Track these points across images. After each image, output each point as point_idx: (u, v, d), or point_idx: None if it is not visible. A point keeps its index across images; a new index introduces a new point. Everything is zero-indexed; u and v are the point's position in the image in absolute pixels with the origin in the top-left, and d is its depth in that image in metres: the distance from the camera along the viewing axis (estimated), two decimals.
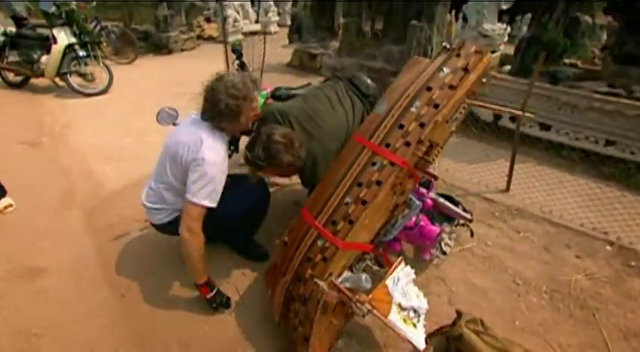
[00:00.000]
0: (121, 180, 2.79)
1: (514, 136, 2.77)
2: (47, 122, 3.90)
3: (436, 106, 1.48)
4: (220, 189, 1.57)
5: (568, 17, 3.42)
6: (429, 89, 1.51)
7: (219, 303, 1.71)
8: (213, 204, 1.56)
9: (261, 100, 2.28)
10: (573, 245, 2.38)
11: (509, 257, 2.25)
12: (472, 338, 1.45)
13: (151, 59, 6.51)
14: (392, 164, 1.46)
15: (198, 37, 7.76)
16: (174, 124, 2.38)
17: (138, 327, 1.68)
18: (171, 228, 1.71)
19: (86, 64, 4.61)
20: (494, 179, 2.98)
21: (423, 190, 1.93)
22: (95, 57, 4.62)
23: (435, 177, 1.66)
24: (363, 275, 1.58)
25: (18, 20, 5.49)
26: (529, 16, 9.75)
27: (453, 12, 6.64)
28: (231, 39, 8.11)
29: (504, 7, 8.93)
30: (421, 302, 1.59)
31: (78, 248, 2.14)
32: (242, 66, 3.15)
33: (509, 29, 8.33)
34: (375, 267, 1.91)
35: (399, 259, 1.68)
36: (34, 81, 4.89)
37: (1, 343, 1.58)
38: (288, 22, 10.31)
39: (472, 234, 2.38)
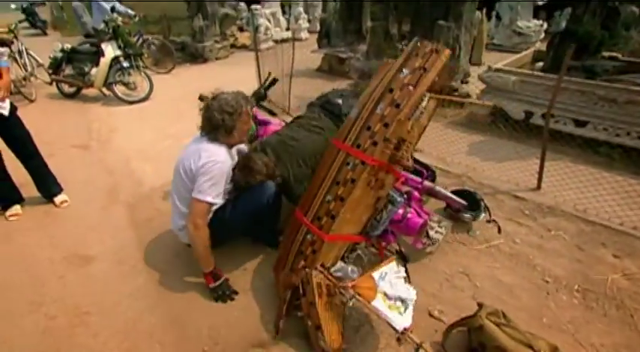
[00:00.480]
0: (159, 179, 3.00)
1: (555, 134, 2.68)
2: (95, 127, 4.26)
3: (397, 106, 1.55)
4: (221, 187, 1.76)
5: (606, 8, 3.27)
6: (390, 90, 1.59)
7: (220, 295, 1.83)
8: (217, 200, 1.76)
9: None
10: (610, 244, 2.27)
11: (538, 254, 2.19)
12: (493, 329, 1.45)
13: (187, 68, 6.88)
14: (363, 163, 1.55)
15: (232, 46, 8.10)
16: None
17: (172, 310, 1.82)
18: None
19: (129, 74, 4.98)
20: (524, 177, 2.90)
21: (416, 179, 2.09)
22: (137, 67, 4.99)
23: (409, 167, 1.69)
24: (349, 267, 1.68)
25: (88, 37, 6.07)
26: (569, 10, 9.30)
27: (484, 10, 6.50)
28: (263, 46, 8.43)
29: (540, 2, 8.59)
30: (409, 293, 1.59)
31: (121, 239, 2.35)
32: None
33: (545, 25, 8.01)
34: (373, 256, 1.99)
35: (390, 258, 1.71)
36: (84, 91, 5.35)
37: (58, 318, 1.79)
38: (318, 28, 10.53)
39: (499, 230, 2.35)
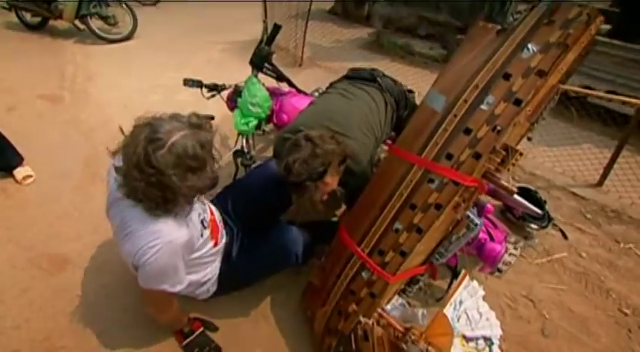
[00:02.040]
0: None
1: (616, 116, 2.21)
2: (68, 73, 3.54)
3: (517, 102, 1.00)
4: (180, 273, 1.12)
5: None
6: (506, 77, 1.02)
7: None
8: (173, 290, 1.12)
9: (258, 92, 1.84)
10: None
11: (610, 275, 1.86)
12: None
13: (178, 2, 5.88)
14: (456, 183, 1.05)
15: None
16: (201, 87, 1.98)
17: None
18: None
19: (107, 5, 4.13)
20: (582, 169, 2.49)
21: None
22: None
23: (512, 192, 1.24)
24: (420, 311, 1.31)
25: None
26: None
27: None
28: None
29: None
30: (492, 328, 1.29)
31: (102, 234, 1.83)
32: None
33: None
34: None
35: (463, 274, 1.34)
36: (53, 23, 4.46)
37: None
38: None
39: (565, 236, 2.00)
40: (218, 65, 3.85)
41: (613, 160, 2.28)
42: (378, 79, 1.69)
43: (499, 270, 1.54)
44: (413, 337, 1.19)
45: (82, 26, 4.27)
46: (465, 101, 1.05)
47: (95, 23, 4.12)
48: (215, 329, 1.47)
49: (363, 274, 1.18)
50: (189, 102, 3.04)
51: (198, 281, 1.30)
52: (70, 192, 2.12)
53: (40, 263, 1.70)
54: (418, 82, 3.57)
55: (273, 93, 2.08)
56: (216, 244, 1.31)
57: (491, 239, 1.45)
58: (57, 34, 4.43)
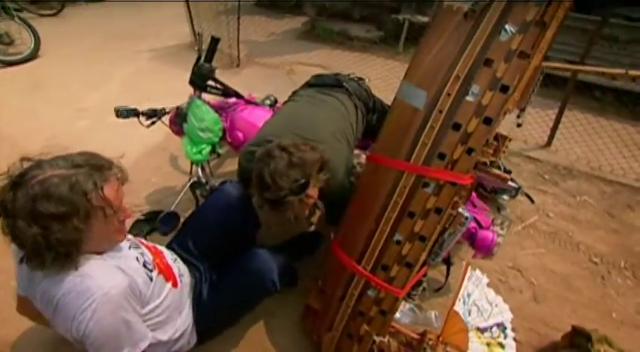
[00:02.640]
0: None
1: (552, 77, 2.36)
2: None
3: (504, 89, 0.96)
4: (135, 321, 0.91)
5: None
6: (488, 63, 0.97)
7: None
8: (143, 344, 0.93)
9: (205, 115, 1.66)
10: (634, 204, 2.17)
11: (575, 229, 2.00)
12: None
13: (84, 8, 5.24)
14: (453, 184, 1.01)
15: None
16: (138, 116, 1.72)
17: None
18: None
19: None
20: (531, 132, 2.64)
21: None
22: (6, 10, 3.50)
23: (506, 179, 1.25)
24: (432, 313, 1.31)
25: None
26: None
27: None
28: None
29: None
30: (503, 313, 1.31)
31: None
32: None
33: None
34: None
35: (465, 266, 1.35)
36: None
37: None
38: None
39: (532, 201, 2.11)
40: (149, 75, 3.48)
41: (557, 121, 2.44)
42: (344, 83, 1.57)
43: (492, 254, 1.56)
44: (430, 342, 1.15)
45: None
46: (449, 94, 0.99)
47: None
48: None
49: (369, 293, 1.10)
50: (125, 123, 2.69)
51: (170, 338, 1.09)
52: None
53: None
54: (361, 66, 3.54)
55: (220, 109, 1.87)
56: (175, 284, 1.12)
57: (480, 226, 1.45)
58: None
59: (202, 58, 1.65)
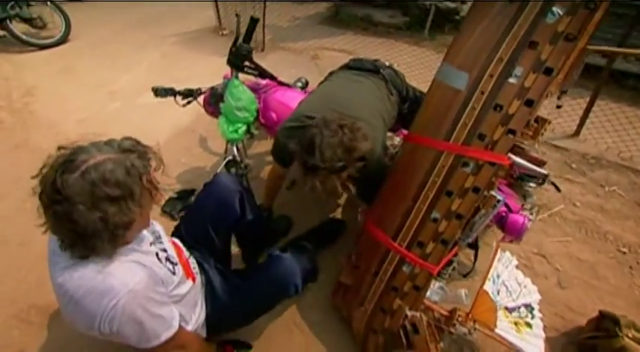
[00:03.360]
0: None
1: (592, 69, 2.30)
2: (1, 89, 3.09)
3: (548, 71, 0.96)
4: (162, 304, 0.94)
5: None
6: (532, 45, 0.98)
7: None
8: (172, 330, 0.96)
9: (242, 94, 1.70)
10: None
11: (603, 219, 1.98)
12: (636, 348, 1.20)
13: None
14: (492, 164, 1.03)
15: None
16: (175, 95, 1.78)
17: None
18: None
19: (28, 5, 3.60)
20: (560, 121, 2.58)
21: None
22: None
23: (543, 163, 1.25)
24: (462, 291, 1.33)
25: None
26: None
27: None
28: None
29: None
30: (531, 294, 1.34)
31: None
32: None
33: None
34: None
35: (495, 247, 1.38)
36: None
37: None
38: None
39: (558, 190, 2.07)
40: (175, 60, 3.54)
41: (588, 110, 2.39)
42: (382, 70, 1.58)
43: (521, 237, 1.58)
44: (460, 319, 1.19)
45: (1, 32, 3.73)
46: (491, 76, 1.00)
47: (18, 27, 3.60)
48: (248, 347, 1.40)
49: (404, 268, 1.14)
50: (154, 105, 2.75)
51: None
52: (41, 234, 1.88)
53: (29, 317, 1.50)
54: (386, 52, 3.52)
55: (253, 90, 1.91)
56: (194, 280, 1.14)
57: (510, 210, 1.47)
58: None
59: (240, 38, 1.68)
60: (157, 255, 1.00)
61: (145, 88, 2.25)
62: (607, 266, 1.74)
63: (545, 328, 1.30)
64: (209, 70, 3.18)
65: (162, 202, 1.94)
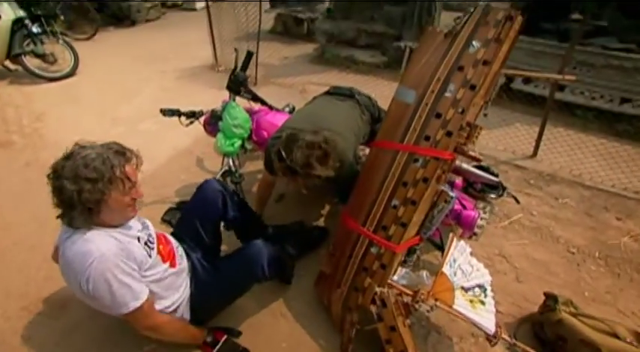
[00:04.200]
0: None
1: (537, 98, 2.67)
2: (10, 115, 3.34)
3: (473, 87, 1.29)
4: (132, 276, 1.17)
5: None
6: (460, 68, 1.31)
7: None
8: (144, 295, 1.19)
9: (238, 114, 2.01)
10: (610, 207, 2.40)
11: (556, 225, 2.24)
12: (573, 321, 1.41)
13: (112, 33, 5.75)
14: (437, 158, 1.31)
15: (162, 5, 6.93)
16: (179, 115, 2.06)
17: None
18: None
19: (42, 43, 3.95)
20: (519, 144, 2.93)
21: None
22: (53, 33, 3.97)
23: (479, 160, 1.53)
24: (424, 273, 1.52)
25: None
26: None
27: None
28: (198, 5, 7.35)
29: None
30: (483, 276, 1.54)
31: None
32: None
33: None
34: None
35: (451, 237, 1.60)
36: None
37: None
38: None
39: (517, 201, 2.33)
40: (175, 92, 3.87)
41: (541, 133, 2.74)
42: (356, 96, 1.91)
43: (475, 234, 1.81)
44: (422, 297, 1.39)
45: (13, 67, 4.04)
46: (432, 91, 1.31)
47: (31, 62, 3.92)
48: (238, 334, 1.54)
49: (372, 250, 1.36)
50: (156, 131, 3.06)
51: (165, 309, 1.33)
52: (52, 235, 2.03)
53: (37, 309, 1.64)
54: (365, 87, 3.90)
55: (248, 113, 2.21)
56: (173, 265, 1.36)
57: (464, 208, 1.72)
58: None
59: (238, 68, 2.00)
60: (138, 238, 1.25)
61: (147, 116, 2.53)
62: (558, 264, 1.97)
63: (501, 316, 1.49)
64: (206, 100, 3.45)
65: (163, 211, 2.17)
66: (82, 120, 3.24)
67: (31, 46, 3.87)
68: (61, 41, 4.02)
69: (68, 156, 1.12)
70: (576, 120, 3.34)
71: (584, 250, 2.06)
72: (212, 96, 3.33)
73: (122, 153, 1.17)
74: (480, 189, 2.26)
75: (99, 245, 1.11)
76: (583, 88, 3.24)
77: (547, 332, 1.48)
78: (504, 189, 2.30)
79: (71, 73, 4.08)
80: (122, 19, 6.02)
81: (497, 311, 1.67)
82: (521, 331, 1.57)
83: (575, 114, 3.34)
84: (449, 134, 1.27)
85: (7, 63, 3.97)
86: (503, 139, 3.00)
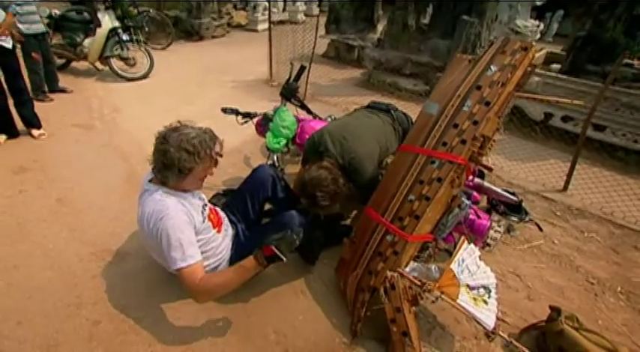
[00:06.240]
0: None
1: (573, 137, 2.74)
2: (95, 105, 3.93)
3: (487, 104, 1.48)
4: (191, 241, 1.42)
5: (631, 14, 3.34)
6: (478, 88, 1.52)
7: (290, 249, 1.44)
8: (197, 255, 1.42)
9: (287, 117, 2.32)
10: None
11: (578, 256, 2.26)
12: (574, 334, 1.47)
13: (183, 45, 6.50)
14: (451, 162, 1.49)
15: (228, 25, 7.72)
16: (237, 114, 2.40)
17: (230, 315, 1.68)
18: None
19: (128, 49, 4.62)
20: (550, 178, 2.97)
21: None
22: (137, 41, 4.63)
23: (490, 169, 1.67)
24: (432, 266, 1.64)
25: (75, 3, 5.44)
26: (560, 12, 9.56)
27: None
28: (260, 27, 8.09)
29: (538, 3, 8.77)
30: (489, 278, 1.61)
31: None
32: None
33: (541, 26, 8.20)
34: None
35: (462, 239, 1.71)
36: (74, 64, 4.92)
37: (103, 323, 1.62)
38: (314, 12, 10.22)
39: (540, 229, 2.40)
40: (231, 99, 4.31)
41: (572, 168, 2.78)
42: (392, 111, 2.17)
43: (488, 245, 1.93)
44: (429, 287, 1.53)
45: (101, 67, 4.74)
46: (452, 105, 1.52)
47: (116, 64, 4.59)
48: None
49: (388, 237, 1.54)
50: (213, 129, 3.44)
51: (210, 266, 1.61)
52: (118, 202, 2.43)
53: (103, 256, 1.98)
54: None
55: (296, 119, 2.52)
56: (219, 231, 1.65)
57: (479, 217, 1.85)
58: (78, 74, 4.86)
59: (291, 78, 2.32)
60: (199, 206, 1.57)
61: (205, 117, 2.91)
62: (574, 291, 2.00)
63: (507, 326, 1.57)
64: (258, 109, 3.86)
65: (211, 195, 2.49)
66: (150, 115, 3.73)
67: (119, 51, 4.54)
68: (142, 48, 4.67)
69: (175, 129, 1.44)
70: (616, 163, 3.32)
71: (604, 283, 2.07)
72: (263, 107, 3.68)
73: (213, 138, 1.49)
74: (502, 211, 2.37)
75: (169, 206, 1.42)
76: (625, 129, 3.23)
77: (548, 343, 1.55)
78: (527, 213, 2.38)
79: (146, 76, 4.70)
80: (192, 34, 6.80)
81: (503, 321, 1.76)
82: (524, 340, 1.63)
83: (616, 156, 3.31)
84: (463, 142, 1.45)
85: (97, 63, 4.67)
86: (534, 172, 3.06)
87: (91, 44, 4.49)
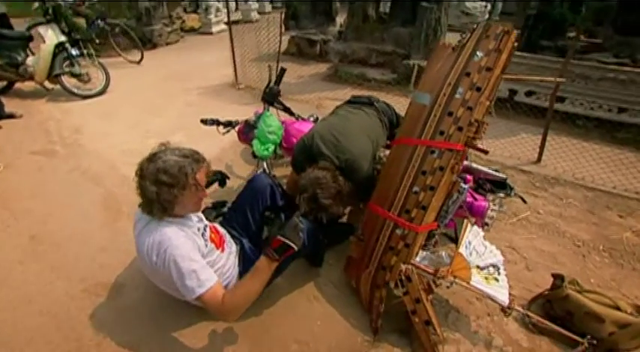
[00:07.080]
0: None
1: (536, 111, 2.89)
2: (52, 128, 3.63)
3: (478, 89, 1.51)
4: (200, 264, 1.34)
5: None
6: (467, 74, 1.54)
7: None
8: (210, 283, 1.32)
9: (272, 122, 2.26)
10: (612, 206, 2.57)
11: (562, 222, 2.41)
12: (579, 297, 1.57)
13: (136, 55, 6.14)
14: (450, 150, 1.52)
15: (181, 29, 7.40)
16: (218, 124, 2.32)
17: (249, 333, 1.63)
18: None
19: (79, 64, 4.30)
20: (524, 152, 3.14)
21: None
22: (89, 55, 4.33)
23: (486, 152, 1.74)
24: (443, 253, 1.68)
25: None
26: None
27: None
28: (214, 29, 7.83)
29: None
30: (496, 256, 1.69)
31: None
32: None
33: (488, 6, 8.59)
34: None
35: (465, 223, 1.77)
36: (18, 85, 4.51)
37: None
38: (267, 10, 10.05)
39: (524, 201, 2.51)
40: (199, 107, 4.15)
41: (543, 141, 2.95)
42: (375, 103, 2.15)
43: (487, 224, 2.00)
44: (443, 274, 1.56)
45: (51, 86, 4.38)
46: (444, 94, 1.54)
47: (68, 81, 4.26)
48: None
49: (397, 231, 1.55)
50: (184, 142, 3.28)
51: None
52: (99, 230, 2.27)
53: (97, 291, 1.84)
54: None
55: (286, 124, 2.47)
56: (222, 251, 1.57)
57: (476, 200, 1.92)
58: (24, 96, 4.45)
59: (272, 82, 2.26)
60: (198, 229, 1.48)
61: (176, 128, 2.80)
62: (564, 255, 2.13)
63: (513, 297, 1.64)
64: (228, 115, 3.75)
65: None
66: (117, 132, 3.51)
67: (70, 67, 4.21)
68: (96, 62, 4.37)
69: (151, 158, 1.32)
70: (578, 130, 3.56)
71: (588, 243, 2.22)
72: (233, 111, 3.60)
73: (196, 160, 1.36)
74: (489, 189, 2.46)
75: (170, 236, 1.33)
76: (582, 99, 3.46)
77: (556, 309, 1.64)
78: (512, 189, 2.49)
79: (103, 91, 4.40)
80: (144, 42, 6.44)
81: (510, 294, 1.83)
82: (532, 310, 1.71)
83: (577, 125, 3.55)
84: (460, 129, 1.49)
85: (46, 83, 4.31)
86: (509, 147, 3.21)
87: (36, 62, 4.14)
